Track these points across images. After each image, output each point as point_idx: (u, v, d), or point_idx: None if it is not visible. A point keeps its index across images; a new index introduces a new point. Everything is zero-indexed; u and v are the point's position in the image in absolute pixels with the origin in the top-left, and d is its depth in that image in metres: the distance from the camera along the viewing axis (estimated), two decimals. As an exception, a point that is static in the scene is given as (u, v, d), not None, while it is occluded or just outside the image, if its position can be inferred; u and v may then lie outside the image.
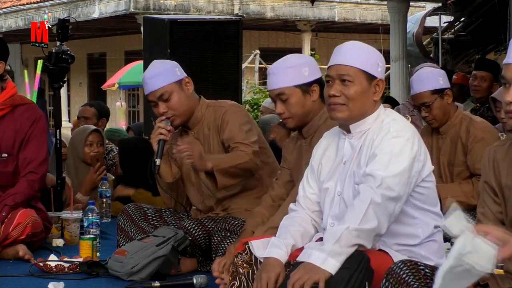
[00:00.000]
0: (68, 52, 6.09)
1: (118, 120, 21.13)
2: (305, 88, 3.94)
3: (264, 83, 18.70)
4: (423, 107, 5.21)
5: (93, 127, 6.80)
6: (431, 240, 3.39)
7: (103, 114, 7.97)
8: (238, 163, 4.31)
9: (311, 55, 21.38)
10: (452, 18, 12.30)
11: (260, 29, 24.21)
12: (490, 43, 12.40)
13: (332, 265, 3.09)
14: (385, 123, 3.35)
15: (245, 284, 3.38)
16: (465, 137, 5.17)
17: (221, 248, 4.22)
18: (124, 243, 4.60)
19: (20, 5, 23.92)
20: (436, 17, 12.35)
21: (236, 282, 3.39)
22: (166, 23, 6.15)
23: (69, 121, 22.20)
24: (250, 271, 3.39)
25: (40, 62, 8.24)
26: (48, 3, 22.38)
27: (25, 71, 14.47)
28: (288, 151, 4.19)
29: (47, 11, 17.58)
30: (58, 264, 4.45)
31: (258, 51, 21.97)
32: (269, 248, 3.35)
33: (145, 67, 5.60)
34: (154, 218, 4.66)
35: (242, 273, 3.39)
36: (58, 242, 5.25)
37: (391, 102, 7.87)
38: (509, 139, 3.05)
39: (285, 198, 4.02)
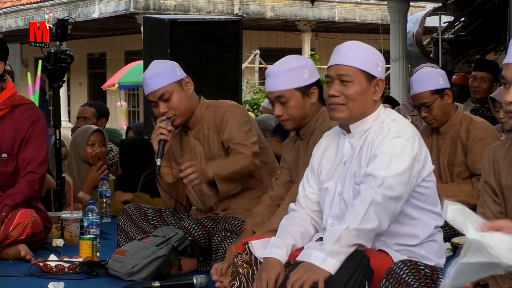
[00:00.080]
0: (67, 52, 6.09)
1: (119, 120, 21.12)
2: (304, 90, 3.94)
3: (264, 83, 18.68)
4: (423, 107, 5.22)
5: (95, 127, 6.82)
6: (431, 240, 3.39)
7: (103, 114, 7.98)
8: (238, 168, 4.32)
9: (311, 55, 21.39)
10: (452, 18, 12.30)
11: (260, 29, 24.21)
12: (490, 43, 12.40)
13: (331, 265, 3.09)
14: (386, 123, 3.35)
15: (245, 284, 3.38)
16: (465, 137, 5.17)
17: (221, 248, 4.22)
18: (124, 243, 4.59)
19: (20, 5, 23.91)
20: (436, 17, 12.35)
21: (236, 282, 3.39)
22: (166, 23, 6.15)
23: (69, 121, 22.20)
24: (250, 271, 3.39)
25: (40, 63, 8.26)
26: (48, 3, 22.38)
27: (28, 73, 14.48)
28: (287, 151, 4.20)
29: (48, 11, 17.57)
30: (58, 264, 4.45)
31: (258, 51, 21.97)
32: (269, 248, 3.35)
33: (145, 67, 5.60)
34: (154, 218, 4.66)
35: (242, 273, 3.39)
36: (58, 242, 5.25)
37: (391, 102, 7.87)
38: (509, 139, 3.05)
39: (284, 198, 4.02)
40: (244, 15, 20.16)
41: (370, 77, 3.37)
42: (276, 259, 3.29)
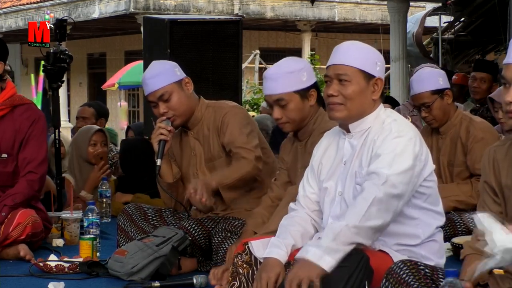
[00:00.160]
0: (66, 52, 6.10)
1: (120, 120, 21.11)
2: (303, 93, 3.94)
3: (264, 83, 18.65)
4: (423, 108, 5.22)
5: (97, 127, 6.84)
6: (431, 240, 3.39)
7: (102, 114, 7.98)
8: (241, 175, 4.32)
9: (311, 55, 21.39)
10: (452, 18, 12.30)
11: (260, 29, 24.20)
12: (490, 43, 12.40)
13: (327, 263, 3.08)
14: (387, 123, 3.36)
15: (245, 285, 3.38)
16: (465, 137, 5.18)
17: (221, 248, 4.22)
18: (124, 243, 4.59)
19: (20, 5, 23.91)
20: (436, 17, 12.35)
21: (236, 283, 3.40)
22: (166, 23, 6.15)
23: (69, 121, 22.20)
24: (250, 271, 3.39)
25: (42, 63, 8.27)
26: (48, 3, 22.37)
27: (32, 75, 14.50)
28: (285, 152, 4.20)
29: (48, 11, 17.56)
30: (58, 264, 4.45)
31: (258, 51, 21.97)
32: (269, 248, 3.35)
33: (145, 67, 5.60)
34: (154, 218, 4.66)
35: (242, 274, 3.40)
36: (58, 242, 5.25)
37: (391, 102, 7.87)
38: (509, 139, 3.05)
39: (284, 198, 4.02)
40: (244, 15, 20.16)
41: (368, 76, 3.38)
42: (276, 259, 3.30)
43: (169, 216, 4.69)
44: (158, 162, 4.37)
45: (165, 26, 6.13)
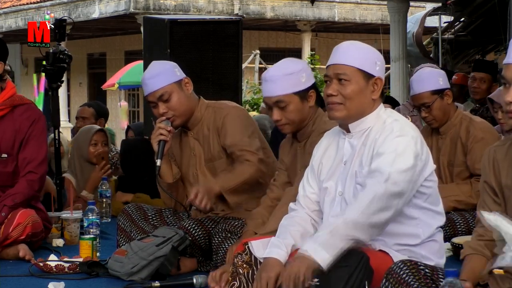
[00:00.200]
0: (66, 52, 6.10)
1: (120, 120, 21.11)
2: (303, 94, 3.93)
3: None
4: (423, 108, 5.22)
5: (98, 126, 6.84)
6: (431, 240, 3.39)
7: (101, 114, 7.98)
8: (245, 178, 4.32)
9: (311, 55, 21.39)
10: (452, 18, 12.30)
11: (260, 29, 24.20)
12: (490, 43, 12.40)
13: (321, 256, 3.09)
14: (388, 123, 3.36)
15: (245, 285, 3.38)
16: (465, 137, 5.18)
17: (221, 249, 4.22)
18: (124, 243, 4.59)
19: (20, 5, 23.91)
20: (436, 17, 12.35)
21: (236, 283, 3.40)
22: (166, 23, 6.15)
23: (69, 121, 22.20)
24: (250, 271, 3.39)
25: (44, 63, 8.27)
26: (48, 3, 22.37)
27: (34, 75, 14.50)
28: (284, 152, 4.19)
29: (48, 12, 17.56)
30: (58, 264, 4.45)
31: (258, 51, 21.97)
32: (269, 248, 3.35)
33: (145, 67, 5.60)
34: (154, 218, 4.66)
35: (242, 274, 3.40)
36: (58, 242, 5.25)
37: (391, 102, 7.87)
38: (509, 139, 3.05)
39: (283, 199, 4.02)
40: (244, 15, 20.16)
41: (368, 76, 3.38)
42: (276, 259, 3.30)
43: (169, 216, 4.69)
44: (158, 162, 4.36)
45: (165, 26, 6.14)
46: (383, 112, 3.43)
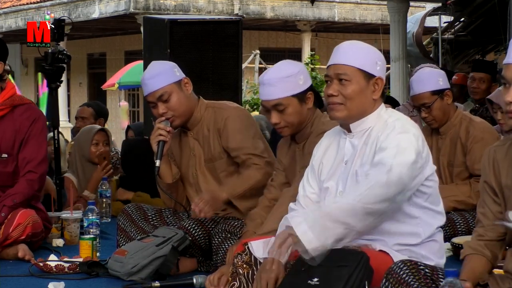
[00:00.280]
0: (65, 52, 6.10)
1: (121, 120, 21.11)
2: (301, 96, 3.92)
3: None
4: (423, 108, 5.22)
5: (99, 126, 6.85)
6: (431, 240, 3.39)
7: (101, 114, 7.98)
8: (252, 184, 4.32)
9: (311, 55, 21.39)
10: (452, 18, 12.30)
11: (260, 29, 24.21)
12: (490, 43, 12.40)
13: (302, 230, 3.11)
14: (390, 121, 3.37)
15: (245, 285, 3.38)
16: (464, 137, 5.17)
17: (221, 249, 4.22)
18: (124, 243, 4.59)
19: (20, 5, 23.92)
20: (436, 17, 12.35)
21: (236, 283, 3.39)
22: (166, 23, 6.15)
23: (69, 121, 22.19)
24: (250, 271, 3.39)
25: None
26: (48, 3, 22.38)
27: (39, 74, 14.46)
28: (282, 153, 4.19)
29: (48, 12, 17.56)
30: (58, 264, 4.45)
31: (258, 51, 21.97)
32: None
33: (145, 67, 5.60)
34: (154, 218, 4.66)
35: (242, 274, 3.40)
36: (58, 242, 5.25)
37: (392, 102, 7.87)
38: (508, 139, 3.05)
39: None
40: (244, 15, 20.16)
41: (368, 76, 3.38)
42: (276, 260, 3.29)
43: (169, 216, 4.69)
44: (157, 163, 4.36)
45: (165, 26, 6.13)
46: (384, 112, 3.43)
